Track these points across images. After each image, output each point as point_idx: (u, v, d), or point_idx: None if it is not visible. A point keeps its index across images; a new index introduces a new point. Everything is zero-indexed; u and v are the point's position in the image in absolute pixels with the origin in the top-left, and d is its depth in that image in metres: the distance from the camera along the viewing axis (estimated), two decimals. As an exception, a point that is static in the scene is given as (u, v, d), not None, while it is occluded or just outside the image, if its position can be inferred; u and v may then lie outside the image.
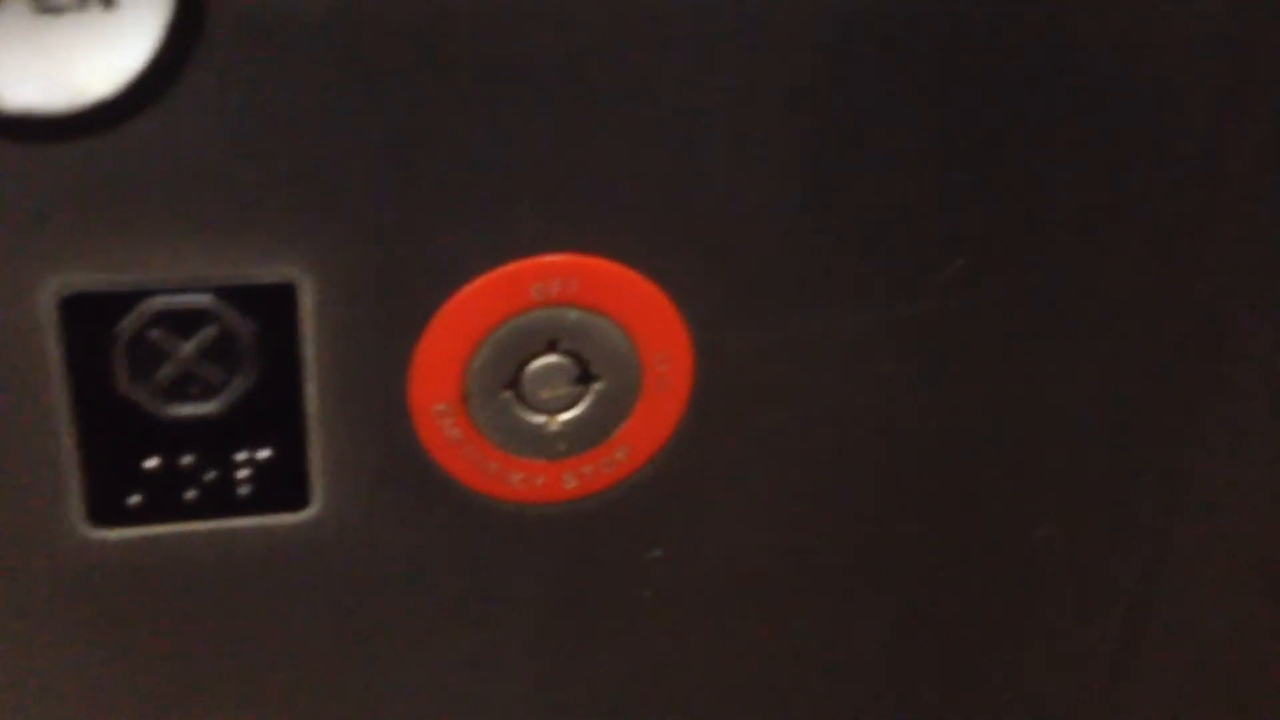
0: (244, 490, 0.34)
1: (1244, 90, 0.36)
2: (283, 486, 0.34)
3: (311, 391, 0.33)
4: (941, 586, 0.41)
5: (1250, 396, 0.40)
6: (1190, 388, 0.40)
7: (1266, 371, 0.40)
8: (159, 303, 0.31)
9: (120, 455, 0.33)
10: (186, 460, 0.33)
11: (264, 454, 0.33)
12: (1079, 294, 0.38)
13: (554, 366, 0.34)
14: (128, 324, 0.31)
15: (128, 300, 0.31)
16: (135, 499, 0.33)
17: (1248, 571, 0.42)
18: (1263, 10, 0.35)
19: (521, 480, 0.36)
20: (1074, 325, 0.38)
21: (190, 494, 0.34)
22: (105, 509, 0.33)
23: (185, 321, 0.32)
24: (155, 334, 0.31)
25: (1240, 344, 0.40)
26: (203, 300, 0.31)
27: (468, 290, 0.33)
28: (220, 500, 0.34)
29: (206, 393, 0.32)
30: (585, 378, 0.35)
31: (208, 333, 0.32)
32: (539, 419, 0.35)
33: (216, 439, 0.33)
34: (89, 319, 0.31)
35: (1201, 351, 0.39)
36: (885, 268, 0.36)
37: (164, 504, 0.34)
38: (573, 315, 0.34)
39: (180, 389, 0.32)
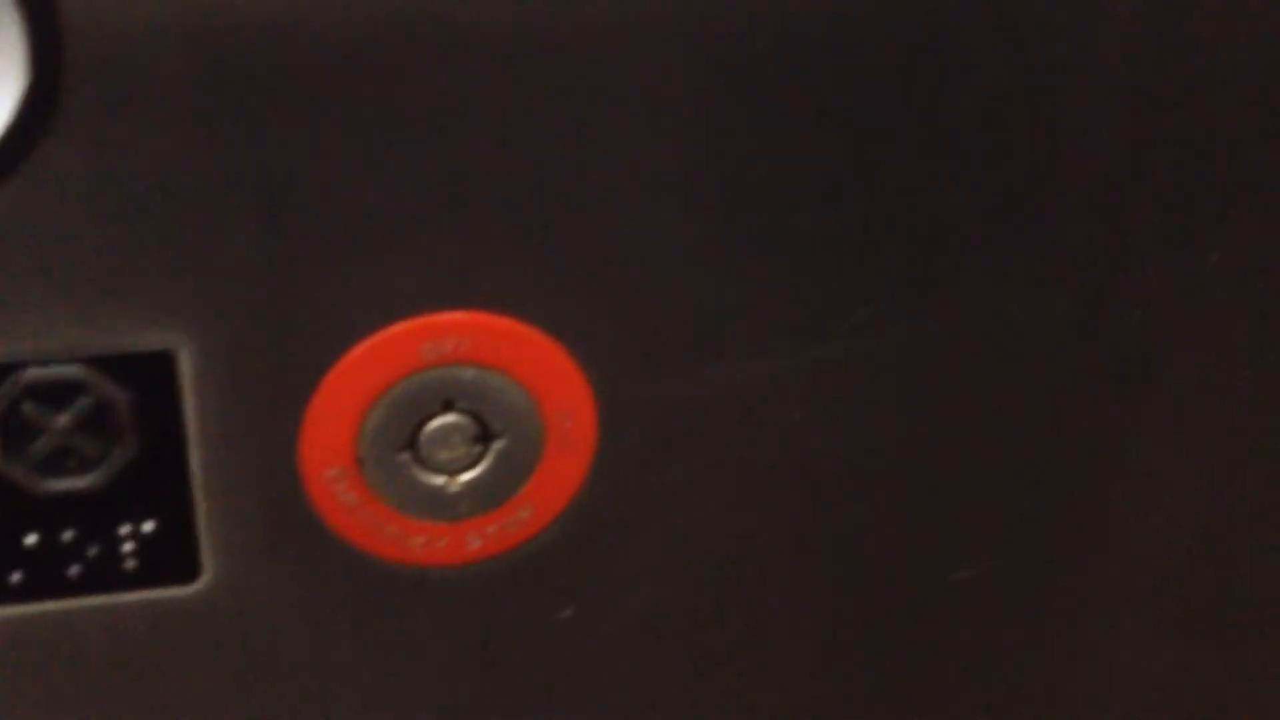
0: (130, 564, 0.33)
1: (1156, 121, 0.36)
2: (171, 559, 0.33)
3: (196, 461, 0.32)
4: (861, 631, 0.40)
5: (1172, 434, 0.40)
6: (1109, 426, 0.39)
7: (1188, 409, 0.39)
8: (30, 375, 0.30)
9: (-2, 532, 0.31)
10: (68, 535, 0.32)
11: (149, 526, 0.32)
12: (993, 333, 0.37)
13: (451, 426, 0.33)
14: (-2, 397, 0.30)
15: (-2, 373, 0.30)
16: (16, 576, 0.32)
17: (1169, 611, 0.41)
18: (1171, 47, 0.35)
19: (423, 543, 0.34)
20: (988, 365, 0.37)
21: (74, 570, 0.32)
22: (-16, 588, 0.32)
23: (59, 393, 0.30)
24: (28, 407, 0.30)
25: (1162, 380, 0.39)
26: (75, 371, 0.30)
27: (357, 351, 0.32)
28: (106, 575, 0.33)
29: (85, 465, 0.31)
30: (485, 437, 0.34)
31: (83, 404, 0.30)
32: (438, 480, 0.34)
33: (98, 512, 0.32)
34: (-43, 394, 0.30)
35: (1120, 390, 0.39)
36: (793, 313, 0.35)
37: (47, 580, 0.32)
38: (469, 374, 0.33)
39: (57, 462, 0.31)
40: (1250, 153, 0.36)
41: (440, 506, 0.34)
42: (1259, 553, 0.42)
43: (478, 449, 0.34)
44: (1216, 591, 0.42)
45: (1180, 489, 0.39)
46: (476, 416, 0.33)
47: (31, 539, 0.32)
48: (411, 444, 0.33)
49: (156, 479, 0.32)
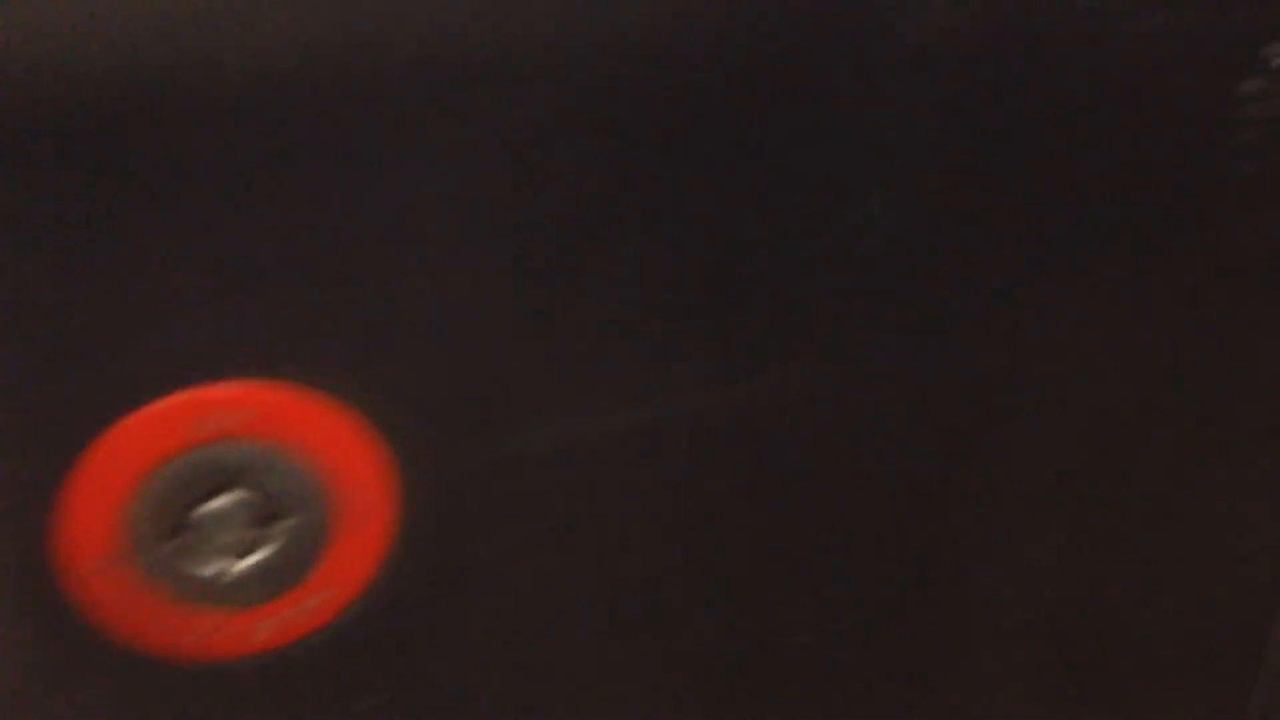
0: None
1: (986, 156, 0.35)
2: (-89, 666, 0.29)
3: (-65, 556, 0.28)
4: (690, 702, 0.38)
5: (1030, 491, 0.38)
6: (966, 483, 0.38)
7: (1043, 464, 0.38)
8: None
9: None
10: None
11: (-116, 630, 0.29)
12: (835, 387, 0.35)
13: (230, 507, 0.30)
14: None
15: None
16: None
17: (1031, 681, 0.40)
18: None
19: (204, 636, 0.31)
20: (831, 419, 0.35)
21: None
22: None
23: None
24: None
25: (1016, 435, 0.38)
26: None
27: (121, 428, 0.29)
28: None
29: None
30: (269, 517, 0.31)
31: None
32: (217, 566, 0.31)
33: None
34: None
35: (970, 443, 0.38)
36: (617, 372, 0.33)
37: None
38: (248, 449, 0.30)
39: None
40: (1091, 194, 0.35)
41: (221, 595, 0.31)
42: (1121, 607, 0.41)
43: (261, 531, 0.31)
44: (1079, 646, 0.41)
45: (1037, 550, 0.38)
46: (259, 495, 0.31)
47: None
48: (186, 527, 0.30)
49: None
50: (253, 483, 0.30)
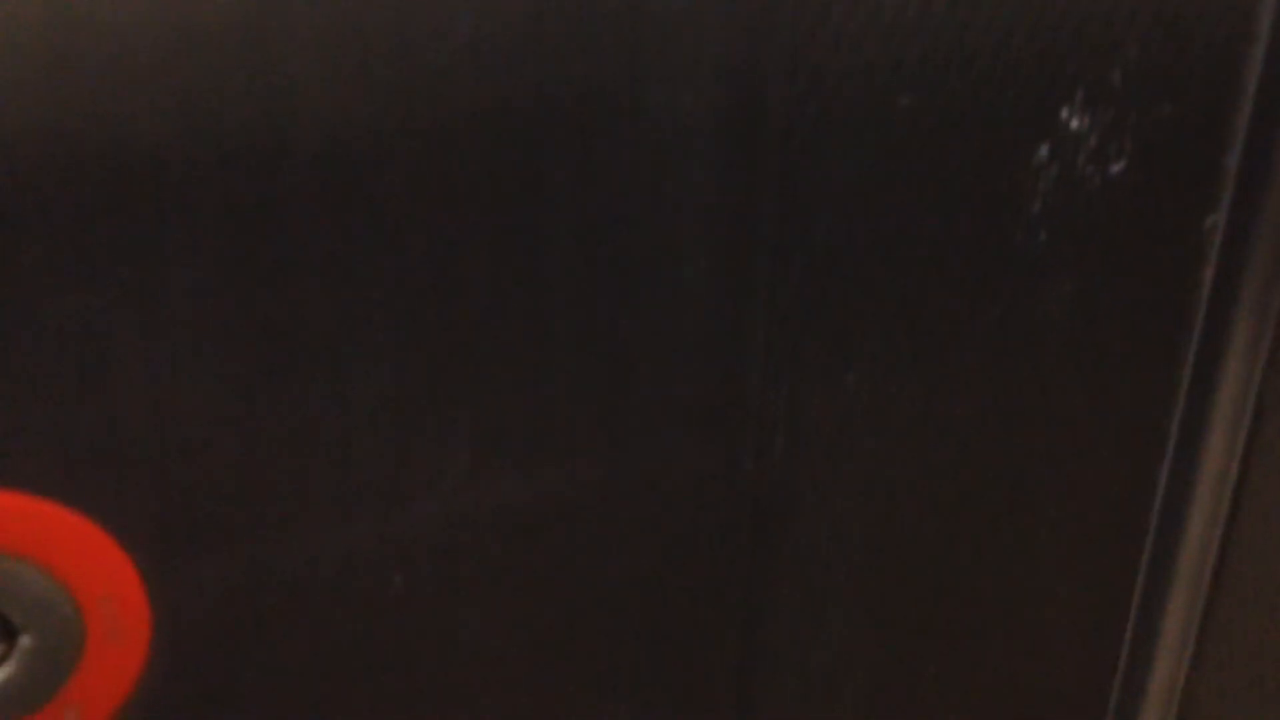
0: None
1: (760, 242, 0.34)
2: None
3: None
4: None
5: (818, 573, 0.37)
6: (753, 562, 0.37)
7: (834, 544, 0.37)
8: None
9: None
10: None
11: None
12: (612, 484, 0.34)
13: (-37, 625, 0.29)
14: None
15: None
16: None
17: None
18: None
19: (-57, 763, 0.30)
20: (604, 514, 0.34)
21: None
22: None
23: None
24: None
25: (805, 514, 0.37)
26: None
27: None
28: None
29: None
30: (8, 634, 0.29)
31: None
32: (-47, 689, 0.29)
33: None
34: None
35: (766, 526, 0.36)
36: (377, 473, 0.32)
37: None
38: (-20, 564, 0.29)
39: None
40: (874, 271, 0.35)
41: (-41, 719, 0.29)
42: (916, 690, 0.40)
43: (1, 648, 0.29)
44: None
45: (829, 639, 0.37)
46: (-5, 612, 0.29)
47: None
48: (-83, 649, 0.29)
49: None
50: (-14, 599, 0.29)
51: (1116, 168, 0.36)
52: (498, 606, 0.34)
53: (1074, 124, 0.35)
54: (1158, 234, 0.37)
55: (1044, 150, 0.35)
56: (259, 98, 0.27)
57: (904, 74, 0.33)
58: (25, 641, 0.30)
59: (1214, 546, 0.41)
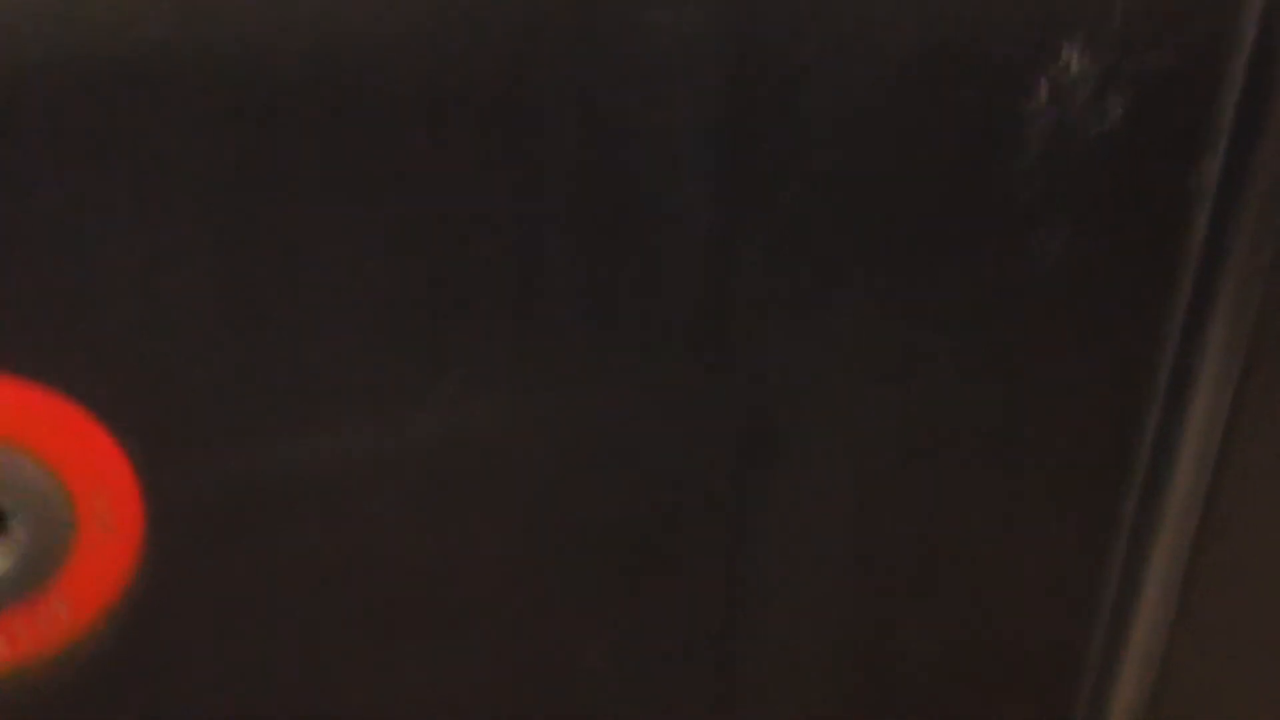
0: None
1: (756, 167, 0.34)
2: None
3: None
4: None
5: (803, 504, 0.38)
6: (740, 495, 0.37)
7: (817, 478, 0.38)
8: None
9: None
10: None
11: None
12: (590, 410, 0.34)
13: (-45, 509, 0.29)
14: None
15: None
16: None
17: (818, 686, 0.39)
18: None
19: (-70, 648, 0.30)
20: (592, 440, 0.35)
21: None
22: None
23: None
24: None
25: (790, 447, 0.37)
26: None
27: None
28: None
29: None
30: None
31: None
32: (-58, 573, 0.29)
33: None
34: None
35: (749, 457, 0.37)
36: (372, 383, 0.32)
37: None
38: (-26, 448, 0.29)
39: None
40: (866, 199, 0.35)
41: (-53, 603, 0.30)
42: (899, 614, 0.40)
43: (-9, 535, 0.30)
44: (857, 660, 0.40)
45: (813, 564, 0.37)
46: (-13, 497, 0.29)
47: None
48: (-92, 531, 0.29)
49: None
50: (-21, 484, 0.29)
51: (1114, 116, 0.36)
52: (481, 527, 0.34)
53: (1074, 67, 0.35)
54: (1150, 189, 0.38)
55: (1043, 92, 0.35)
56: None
57: None
58: (15, 529, 0.30)
59: (1200, 498, 0.41)
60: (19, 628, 0.30)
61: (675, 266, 0.33)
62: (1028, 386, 0.38)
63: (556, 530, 0.35)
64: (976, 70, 0.35)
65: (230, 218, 0.29)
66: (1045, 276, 0.37)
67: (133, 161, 0.28)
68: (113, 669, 0.32)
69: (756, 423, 0.36)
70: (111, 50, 0.27)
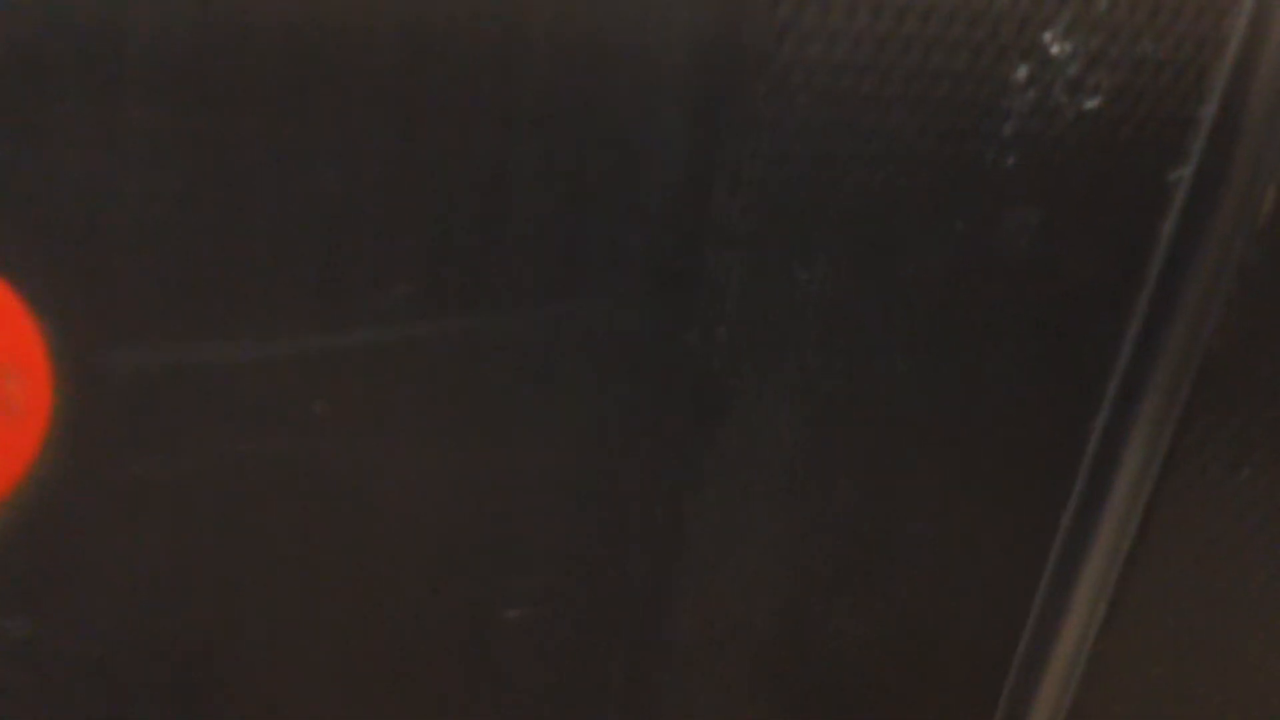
0: None
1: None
2: None
3: None
4: (413, 664, 0.35)
5: (746, 464, 0.37)
6: (687, 450, 0.36)
7: (765, 438, 0.37)
8: None
9: None
10: None
11: None
12: (537, 331, 0.33)
13: None
14: None
15: None
16: None
17: (744, 659, 0.38)
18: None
19: None
20: (537, 363, 0.33)
21: None
22: None
23: None
24: None
25: (742, 405, 0.36)
26: None
27: None
28: None
29: None
30: (-98, 393, 0.28)
31: None
32: None
33: None
34: None
35: (700, 413, 0.36)
36: (309, 293, 0.31)
37: None
38: (-120, 311, 0.27)
39: None
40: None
41: None
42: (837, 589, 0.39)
43: (-108, 407, 0.28)
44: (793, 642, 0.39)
45: (756, 526, 0.36)
46: (-110, 366, 0.28)
47: None
48: None
49: None
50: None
51: (1092, 102, 0.36)
52: (420, 446, 0.33)
53: (1055, 49, 0.35)
54: (1124, 178, 0.37)
55: (1023, 71, 0.35)
56: None
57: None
58: (-81, 402, 0.28)
59: (1139, 511, 0.40)
60: (-88, 508, 0.29)
61: (648, 200, 0.32)
62: (982, 377, 0.37)
63: (499, 453, 0.33)
64: (954, 46, 0.34)
65: (178, 130, 0.28)
66: (1017, 250, 0.36)
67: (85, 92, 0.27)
68: (11, 563, 0.30)
69: (705, 385, 0.35)
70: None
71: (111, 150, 0.28)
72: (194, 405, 0.30)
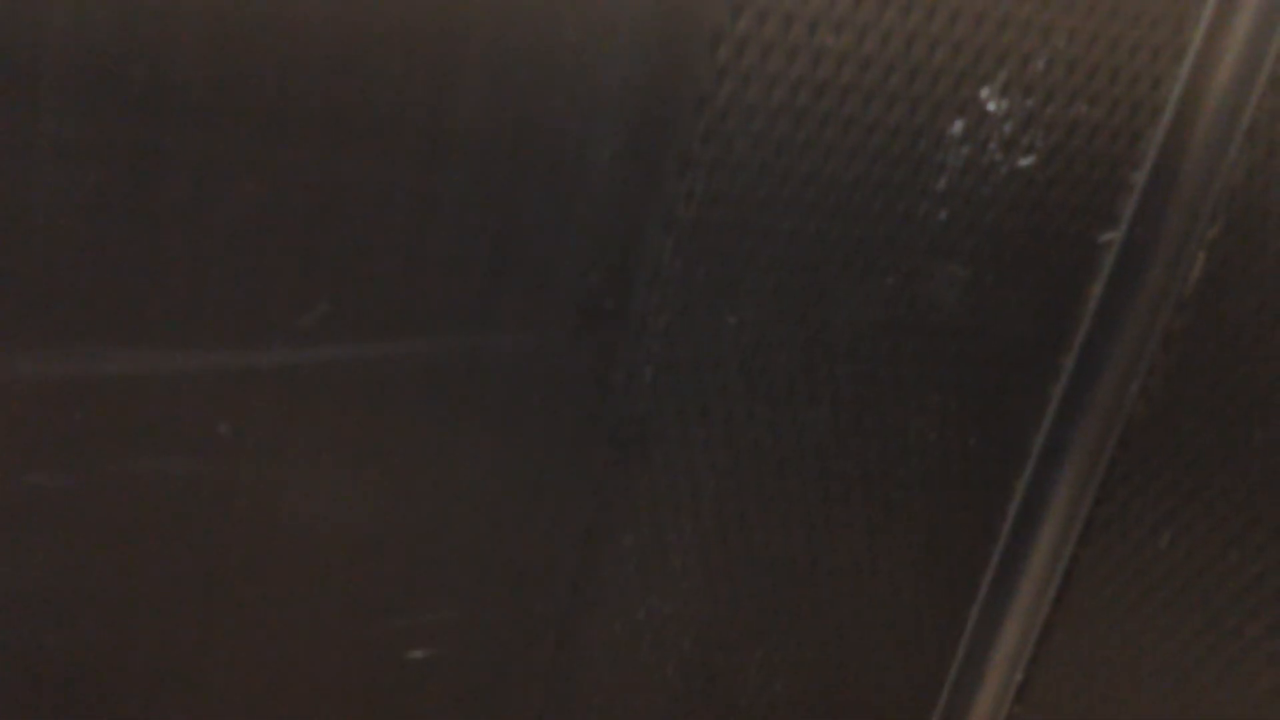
0: None
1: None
2: None
3: None
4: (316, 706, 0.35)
5: (669, 505, 0.36)
6: (606, 491, 0.35)
7: (685, 477, 0.36)
8: None
9: None
10: None
11: None
12: (457, 360, 0.33)
13: None
14: None
15: None
16: None
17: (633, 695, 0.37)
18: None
19: None
20: (455, 393, 0.33)
21: None
22: None
23: None
24: None
25: (665, 444, 0.36)
26: None
27: None
28: None
29: None
30: None
31: None
32: None
33: None
34: None
35: (623, 455, 0.35)
36: (218, 309, 0.30)
37: None
38: None
39: None
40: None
41: None
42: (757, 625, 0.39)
43: None
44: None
45: (666, 581, 0.36)
46: None
47: None
48: None
49: None
50: None
51: (1026, 161, 0.36)
52: (326, 474, 0.32)
53: (992, 105, 0.35)
54: (1055, 238, 0.37)
55: (959, 126, 0.35)
56: None
57: (832, 17, 0.32)
58: None
59: (1063, 563, 0.40)
60: None
61: (582, 237, 0.32)
62: (907, 430, 0.37)
63: (411, 477, 0.33)
64: (892, 97, 0.34)
65: (95, 138, 0.27)
66: (942, 316, 0.36)
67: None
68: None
69: (627, 425, 0.34)
70: None
71: (16, 158, 0.27)
72: (93, 418, 0.30)
